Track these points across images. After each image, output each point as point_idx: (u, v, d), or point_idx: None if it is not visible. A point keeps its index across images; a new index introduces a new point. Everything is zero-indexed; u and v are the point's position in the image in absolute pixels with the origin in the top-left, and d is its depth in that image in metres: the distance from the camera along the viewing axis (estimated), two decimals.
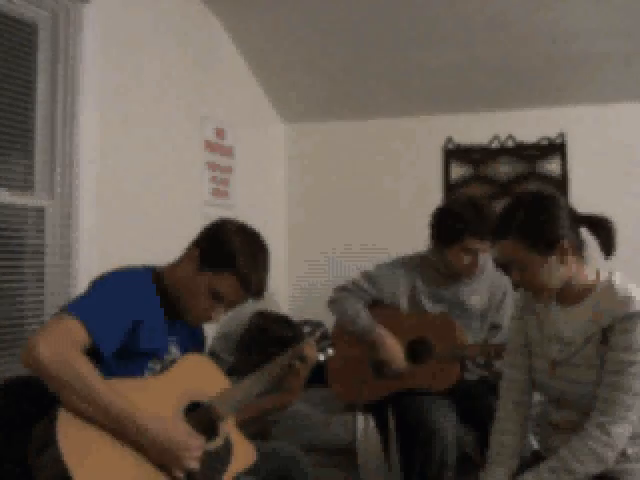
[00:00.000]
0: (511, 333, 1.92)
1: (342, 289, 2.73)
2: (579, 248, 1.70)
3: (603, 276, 1.72)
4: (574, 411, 1.72)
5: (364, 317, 2.63)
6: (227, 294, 1.74)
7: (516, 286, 1.80)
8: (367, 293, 2.68)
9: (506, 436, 1.81)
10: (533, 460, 1.79)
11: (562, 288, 1.72)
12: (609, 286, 1.69)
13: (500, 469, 1.76)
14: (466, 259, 2.52)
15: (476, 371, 2.68)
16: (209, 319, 1.79)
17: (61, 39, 2.60)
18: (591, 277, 1.73)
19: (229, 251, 1.73)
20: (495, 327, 2.68)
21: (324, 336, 2.04)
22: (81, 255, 2.61)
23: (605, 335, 1.65)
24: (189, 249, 1.81)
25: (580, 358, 1.69)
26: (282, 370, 1.89)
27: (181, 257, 1.83)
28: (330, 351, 2.02)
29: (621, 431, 1.60)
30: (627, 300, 1.64)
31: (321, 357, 1.99)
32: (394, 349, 2.60)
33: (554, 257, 1.66)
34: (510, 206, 1.74)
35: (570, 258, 1.67)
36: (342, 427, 2.74)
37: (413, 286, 2.66)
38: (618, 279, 1.71)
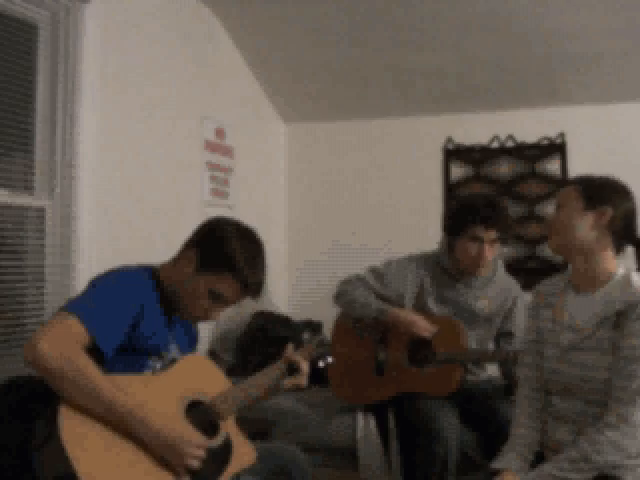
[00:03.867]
0: (526, 332, 1.96)
1: (347, 282, 2.72)
2: (617, 240, 1.76)
3: (621, 270, 1.77)
4: (580, 400, 1.74)
5: (374, 301, 2.61)
6: (226, 294, 1.76)
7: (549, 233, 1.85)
8: (373, 289, 2.66)
9: (520, 428, 1.84)
10: (534, 462, 1.79)
11: (582, 272, 1.77)
12: (625, 277, 1.75)
13: (510, 454, 1.79)
14: (473, 249, 2.51)
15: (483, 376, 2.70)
16: (208, 318, 1.80)
17: (61, 39, 2.60)
18: (611, 269, 1.77)
19: (227, 252, 1.73)
20: (508, 334, 2.67)
21: (323, 343, 2.03)
22: (81, 255, 2.60)
23: (618, 320, 1.68)
24: (185, 249, 1.81)
25: (591, 342, 1.72)
26: (274, 381, 1.89)
27: (178, 257, 1.83)
28: (330, 359, 2.01)
29: None
30: None
31: (320, 364, 1.99)
32: (414, 319, 2.55)
33: (591, 215, 1.74)
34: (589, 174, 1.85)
35: (602, 229, 1.73)
36: (342, 427, 2.74)
37: (420, 286, 2.65)
38: (634, 276, 1.75)
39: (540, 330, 1.88)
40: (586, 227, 1.74)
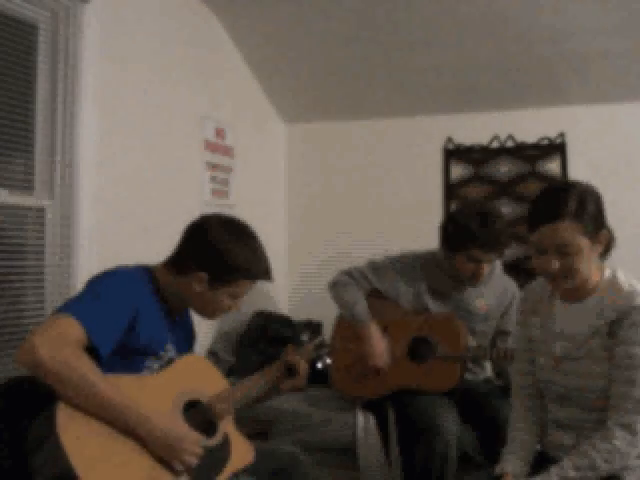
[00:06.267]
0: (517, 341, 1.94)
1: (345, 273, 2.75)
2: (605, 249, 1.72)
3: (606, 273, 1.74)
4: (577, 407, 1.73)
5: (361, 307, 2.65)
6: (244, 291, 1.85)
7: (548, 274, 1.70)
8: (369, 282, 2.70)
9: (518, 432, 1.84)
10: (538, 461, 1.79)
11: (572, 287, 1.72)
12: (613, 282, 1.71)
13: (510, 457, 1.78)
14: (471, 267, 2.53)
15: (480, 375, 2.70)
16: (230, 312, 1.90)
17: (61, 39, 2.61)
18: (596, 274, 1.73)
19: (236, 265, 1.78)
20: (504, 333, 2.68)
21: (322, 344, 2.04)
22: (81, 255, 2.61)
23: (611, 328, 1.66)
24: (187, 264, 1.79)
25: (585, 351, 1.70)
26: (273, 382, 1.90)
27: (180, 270, 1.80)
28: (328, 360, 2.02)
29: None
30: (632, 294, 1.66)
31: (319, 365, 2.00)
32: (377, 346, 2.61)
33: (596, 246, 1.67)
34: (560, 191, 1.69)
35: (599, 251, 1.69)
36: (342, 426, 2.74)
37: (418, 285, 2.66)
38: (621, 276, 1.72)
39: (531, 338, 1.86)
40: (592, 260, 1.68)
